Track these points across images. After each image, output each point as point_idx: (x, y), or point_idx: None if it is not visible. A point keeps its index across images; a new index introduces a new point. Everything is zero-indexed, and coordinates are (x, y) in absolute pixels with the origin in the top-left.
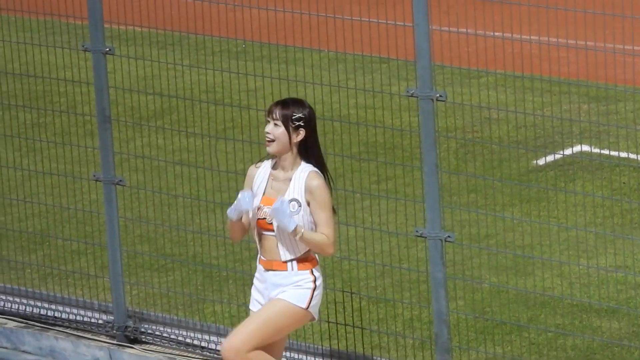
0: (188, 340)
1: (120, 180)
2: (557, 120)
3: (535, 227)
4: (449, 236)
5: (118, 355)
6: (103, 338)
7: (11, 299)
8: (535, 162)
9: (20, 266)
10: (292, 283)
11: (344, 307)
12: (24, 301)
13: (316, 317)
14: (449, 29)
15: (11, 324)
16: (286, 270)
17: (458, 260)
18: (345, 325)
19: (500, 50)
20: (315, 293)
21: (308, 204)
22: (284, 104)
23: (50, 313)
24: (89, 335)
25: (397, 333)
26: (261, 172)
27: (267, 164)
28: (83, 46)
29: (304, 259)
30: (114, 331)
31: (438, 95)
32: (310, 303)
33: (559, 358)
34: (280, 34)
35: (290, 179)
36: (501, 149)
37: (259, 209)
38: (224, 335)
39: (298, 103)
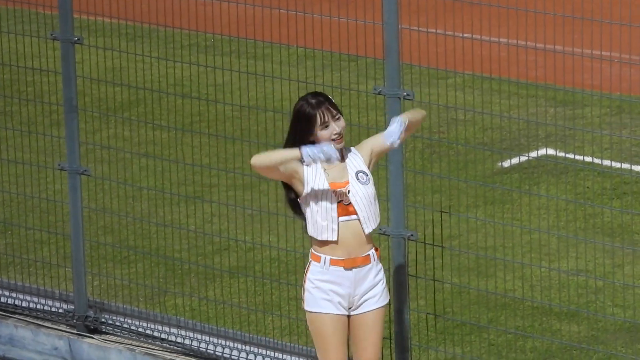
0: (148, 332)
1: (85, 171)
2: (523, 122)
3: (499, 229)
4: (411, 235)
5: (77, 344)
6: (63, 327)
7: None
8: (500, 164)
9: None
10: (374, 283)
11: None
12: None
13: None
14: (419, 29)
15: None
16: (370, 262)
17: (420, 260)
18: (306, 321)
19: (468, 52)
20: None
21: (370, 170)
22: (324, 97)
23: (10, 301)
24: (48, 324)
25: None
26: (311, 169)
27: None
28: (52, 35)
29: (376, 248)
30: (74, 321)
31: (405, 94)
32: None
33: None
34: (249, 29)
35: (345, 165)
36: (467, 150)
37: (333, 195)
38: (184, 327)
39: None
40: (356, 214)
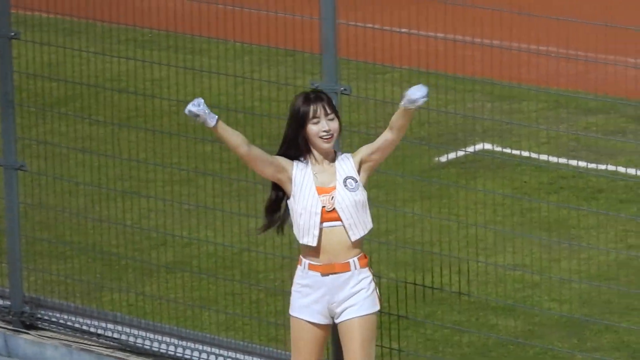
0: (85, 328)
1: (22, 166)
2: (461, 117)
3: (436, 224)
4: None
5: (13, 340)
6: None
7: None
8: (437, 159)
9: None
10: (355, 291)
11: (242, 299)
12: None
13: None
14: (356, 24)
15: None
16: (349, 270)
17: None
18: (243, 316)
19: (405, 47)
20: (377, 289)
21: (359, 174)
22: (326, 97)
23: None
24: None
25: None
26: (300, 170)
27: (301, 165)
28: None
29: (362, 256)
30: (10, 316)
31: (342, 89)
32: (380, 301)
33: (454, 354)
34: (186, 24)
35: (335, 170)
36: (404, 145)
37: (318, 201)
38: (121, 323)
39: (322, 92)
40: (341, 220)
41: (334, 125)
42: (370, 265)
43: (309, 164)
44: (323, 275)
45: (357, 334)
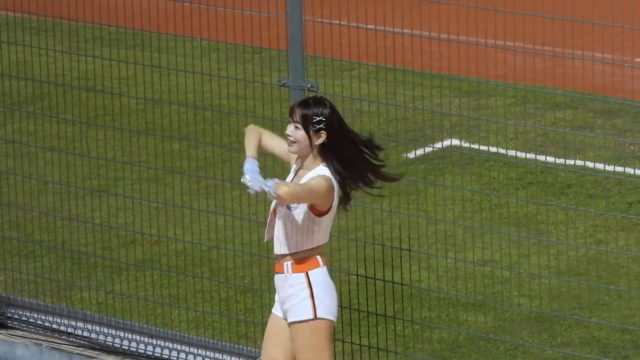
0: (55, 326)
1: None
2: (429, 113)
3: (404, 220)
4: None
5: None
6: None
7: None
8: (405, 155)
9: None
10: (288, 294)
11: (211, 296)
12: None
13: (334, 318)
14: (322, 20)
15: None
16: (282, 272)
17: (326, 251)
18: (212, 314)
19: (372, 43)
20: (317, 298)
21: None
22: (305, 105)
23: None
24: None
25: (264, 323)
26: (295, 164)
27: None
28: None
29: (300, 261)
30: None
31: (310, 85)
32: (315, 310)
33: (424, 351)
34: (153, 22)
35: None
36: None
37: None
38: (91, 321)
39: (319, 104)
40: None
41: (297, 134)
42: (307, 272)
43: (298, 164)
44: (274, 273)
45: (293, 340)
